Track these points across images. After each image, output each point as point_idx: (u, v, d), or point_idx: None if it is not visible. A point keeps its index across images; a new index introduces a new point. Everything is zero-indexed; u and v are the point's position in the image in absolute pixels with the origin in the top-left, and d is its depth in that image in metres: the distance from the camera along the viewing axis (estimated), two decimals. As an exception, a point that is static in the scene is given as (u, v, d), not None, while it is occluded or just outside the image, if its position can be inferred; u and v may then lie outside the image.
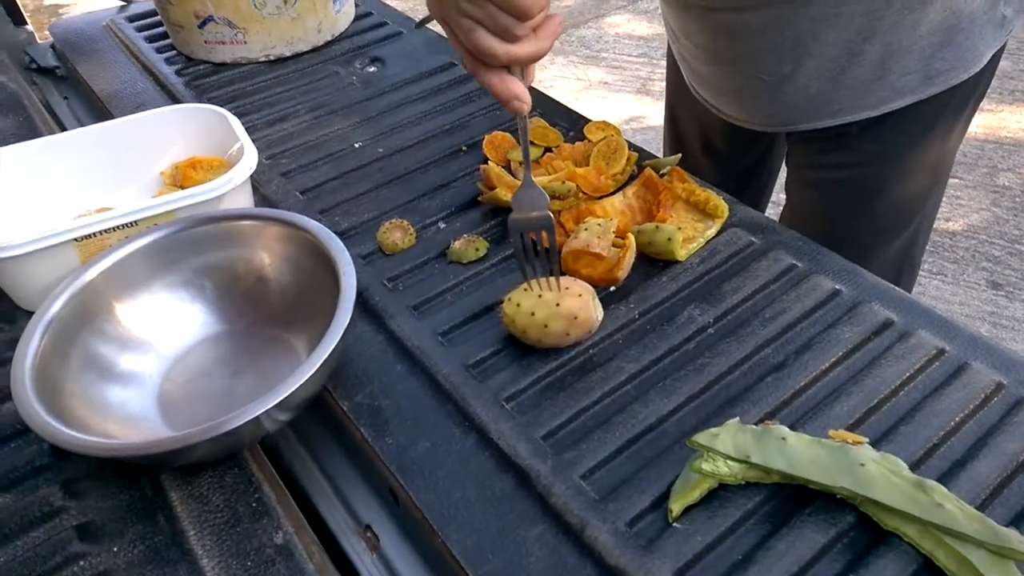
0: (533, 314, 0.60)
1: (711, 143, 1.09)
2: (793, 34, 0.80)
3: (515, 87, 0.56)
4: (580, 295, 0.61)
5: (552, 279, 0.62)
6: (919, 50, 0.80)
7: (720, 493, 0.52)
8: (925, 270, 1.98)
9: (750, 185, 1.12)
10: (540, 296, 0.61)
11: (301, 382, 0.52)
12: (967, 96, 0.86)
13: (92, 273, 0.62)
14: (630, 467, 0.54)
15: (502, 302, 0.63)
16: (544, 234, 0.62)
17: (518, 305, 0.61)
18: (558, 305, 0.60)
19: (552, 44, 0.56)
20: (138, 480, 0.56)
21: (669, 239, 0.68)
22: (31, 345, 0.56)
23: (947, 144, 0.90)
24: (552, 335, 0.61)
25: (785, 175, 1.04)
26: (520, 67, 0.56)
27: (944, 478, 0.51)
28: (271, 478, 0.56)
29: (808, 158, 0.95)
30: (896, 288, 0.66)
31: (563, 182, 0.72)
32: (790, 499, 0.51)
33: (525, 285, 0.62)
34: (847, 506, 0.50)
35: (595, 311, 0.62)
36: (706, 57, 0.91)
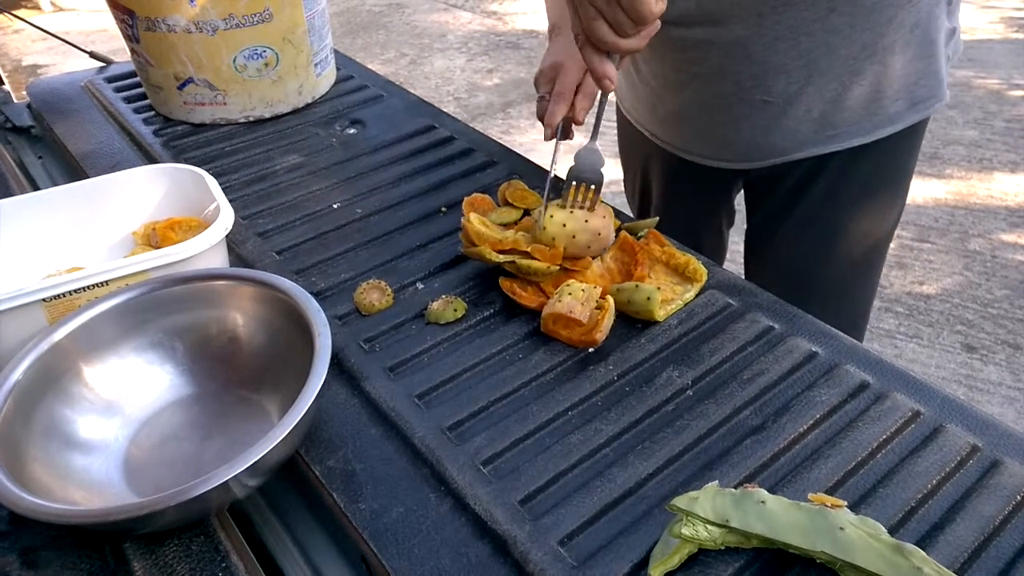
0: (565, 225, 0.73)
1: (669, 197, 1.10)
2: (808, 44, 0.81)
3: (609, 69, 0.66)
4: (604, 216, 0.74)
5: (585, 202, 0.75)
6: (905, 76, 0.84)
7: (700, 558, 0.51)
8: (901, 333, 2.00)
9: (704, 239, 1.13)
10: (572, 212, 0.73)
11: (272, 446, 0.51)
12: (924, 130, 0.92)
13: (59, 334, 0.61)
14: (609, 532, 0.53)
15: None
16: (593, 188, 0.75)
17: (551, 216, 0.73)
18: (587, 221, 0.73)
19: (646, 43, 0.66)
20: (100, 549, 0.54)
21: (648, 298, 0.68)
22: (-7, 408, 0.55)
23: (909, 177, 0.95)
24: (577, 245, 0.73)
25: (745, 228, 1.05)
26: (617, 55, 0.66)
27: (922, 542, 0.51)
28: (239, 546, 0.54)
29: (777, 200, 0.96)
30: (871, 350, 0.66)
31: (547, 266, 0.72)
32: (770, 564, 0.50)
33: (559, 201, 0.75)
34: (827, 571, 0.49)
35: (612, 232, 0.76)
36: (703, 87, 0.90)
